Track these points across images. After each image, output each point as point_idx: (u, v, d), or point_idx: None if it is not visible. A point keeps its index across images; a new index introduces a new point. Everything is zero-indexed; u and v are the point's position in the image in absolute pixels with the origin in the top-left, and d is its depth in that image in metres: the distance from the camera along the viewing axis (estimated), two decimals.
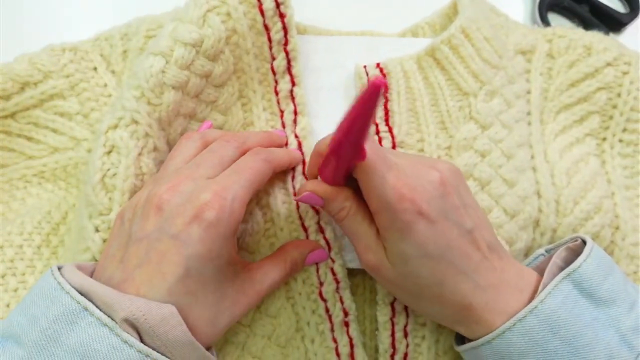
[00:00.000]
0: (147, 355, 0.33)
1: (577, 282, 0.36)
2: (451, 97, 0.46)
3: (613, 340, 0.35)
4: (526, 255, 0.45)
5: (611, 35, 0.57)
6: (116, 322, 0.33)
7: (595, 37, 0.50)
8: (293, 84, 0.47)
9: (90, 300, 0.33)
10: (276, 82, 0.46)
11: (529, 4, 0.58)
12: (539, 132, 0.48)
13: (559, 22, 0.58)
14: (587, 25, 0.57)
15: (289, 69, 0.46)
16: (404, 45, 0.49)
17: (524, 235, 0.44)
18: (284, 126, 0.46)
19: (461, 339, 0.41)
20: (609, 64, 0.48)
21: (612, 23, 0.57)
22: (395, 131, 0.45)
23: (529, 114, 0.48)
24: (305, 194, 0.39)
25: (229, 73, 0.45)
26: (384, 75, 0.46)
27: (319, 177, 0.40)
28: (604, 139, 0.49)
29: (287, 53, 0.46)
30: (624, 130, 0.49)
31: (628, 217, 0.46)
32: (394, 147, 0.45)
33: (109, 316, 0.33)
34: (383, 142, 0.45)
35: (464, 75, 0.46)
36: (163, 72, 0.42)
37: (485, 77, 0.46)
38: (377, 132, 0.45)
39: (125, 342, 0.32)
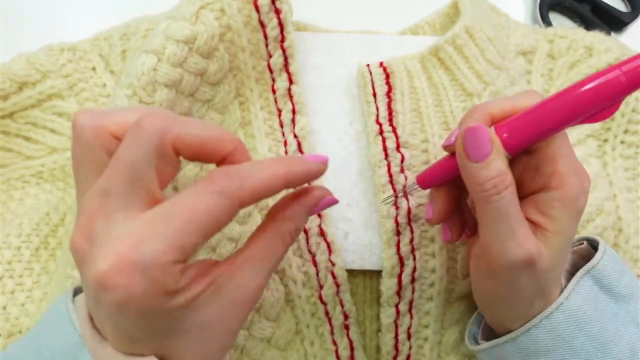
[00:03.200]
0: None
1: (597, 278, 0.36)
2: (455, 97, 0.46)
3: (635, 335, 0.35)
4: None
5: (612, 34, 0.57)
6: None
7: (597, 38, 0.50)
8: (290, 82, 0.46)
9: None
10: (273, 80, 0.46)
11: (530, 4, 0.58)
12: None
13: (560, 22, 0.58)
14: (588, 24, 0.57)
15: (286, 66, 0.46)
16: (403, 44, 0.49)
17: None
18: (282, 125, 0.46)
19: (474, 339, 0.40)
20: (610, 65, 0.48)
21: (614, 22, 0.57)
22: (399, 131, 0.45)
23: None
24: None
25: (225, 71, 0.45)
26: (387, 75, 0.46)
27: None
28: (606, 140, 0.49)
29: (283, 50, 0.45)
30: (626, 131, 0.49)
31: (630, 219, 0.46)
32: (397, 147, 0.44)
33: None
34: (387, 143, 0.44)
35: (468, 76, 0.46)
36: (155, 69, 0.41)
37: (489, 77, 0.46)
38: (381, 132, 0.45)
39: None
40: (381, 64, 0.47)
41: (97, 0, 0.57)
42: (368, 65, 0.46)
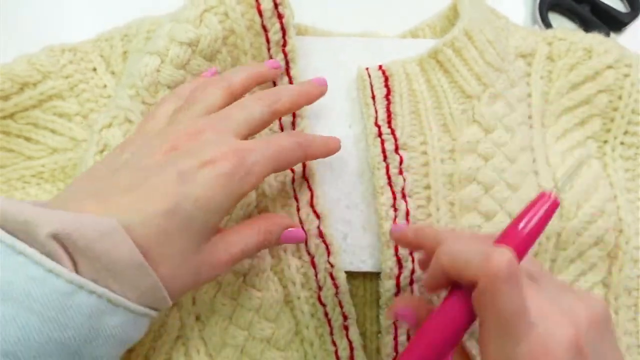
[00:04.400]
0: (80, 287, 0.27)
1: None
2: (454, 99, 0.46)
3: None
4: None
5: (612, 35, 0.57)
6: (35, 248, 0.27)
7: (596, 40, 0.50)
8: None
9: (1, 225, 0.27)
10: (274, 83, 0.46)
11: (529, 4, 0.58)
12: (541, 136, 0.48)
13: (559, 22, 0.58)
14: (587, 25, 0.57)
15: (287, 70, 0.46)
16: (405, 47, 0.49)
17: None
18: (282, 128, 0.46)
19: None
20: (609, 67, 0.48)
21: (613, 23, 0.57)
22: (397, 133, 0.45)
23: (530, 117, 0.48)
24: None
25: None
26: (387, 78, 0.46)
27: None
28: (605, 141, 0.49)
29: (285, 54, 0.46)
30: (625, 132, 0.49)
31: (631, 220, 0.46)
32: (396, 149, 0.45)
33: (27, 239, 0.27)
34: (386, 145, 0.44)
35: (467, 78, 0.46)
36: (158, 71, 0.42)
37: (488, 80, 0.46)
38: (380, 134, 0.45)
39: (50, 271, 0.27)
40: (380, 67, 0.47)
41: (98, 1, 0.57)
42: (367, 69, 0.47)
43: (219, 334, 0.43)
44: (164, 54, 0.42)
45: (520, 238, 0.31)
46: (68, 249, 0.28)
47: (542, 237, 0.45)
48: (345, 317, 0.43)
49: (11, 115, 0.48)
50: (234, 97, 0.39)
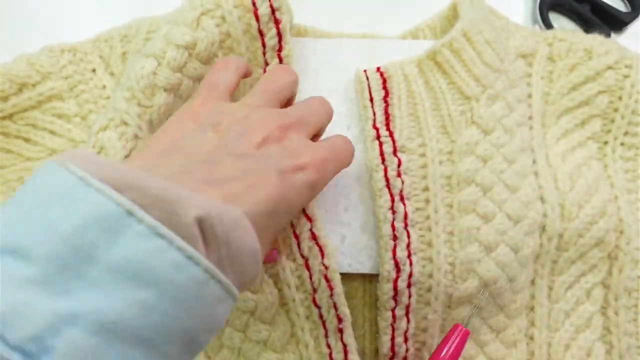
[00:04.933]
0: (212, 276, 0.27)
1: None
2: (453, 101, 0.46)
3: None
4: (535, 261, 0.45)
5: (612, 34, 0.57)
6: (175, 232, 0.25)
7: (596, 40, 0.50)
8: None
9: (137, 200, 0.25)
10: None
11: (529, 4, 0.58)
12: (541, 136, 0.48)
13: (560, 22, 0.58)
14: (588, 24, 0.57)
15: None
16: (404, 48, 0.49)
17: (530, 241, 0.44)
18: None
19: None
20: (610, 67, 0.48)
21: (614, 22, 0.57)
22: (396, 135, 0.45)
23: (530, 118, 0.48)
24: None
25: None
26: (385, 80, 0.46)
27: None
28: (606, 142, 0.49)
29: (280, 59, 0.46)
30: (626, 133, 0.49)
31: (631, 221, 0.46)
32: (394, 151, 0.44)
33: (170, 221, 0.26)
34: (384, 147, 0.44)
35: (466, 79, 0.46)
36: (154, 73, 0.42)
37: (487, 80, 0.46)
38: (378, 137, 0.45)
39: (190, 257, 0.26)
40: (378, 69, 0.46)
41: (98, 1, 0.57)
42: (365, 71, 0.46)
43: (216, 335, 0.44)
44: (161, 57, 0.42)
45: None
46: (205, 234, 0.27)
47: (543, 238, 0.45)
48: (339, 320, 0.43)
49: (10, 116, 0.48)
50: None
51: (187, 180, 0.31)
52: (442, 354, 0.40)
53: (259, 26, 0.44)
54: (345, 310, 0.43)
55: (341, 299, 0.43)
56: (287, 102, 0.42)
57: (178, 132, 0.35)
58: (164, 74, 0.42)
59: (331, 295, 0.43)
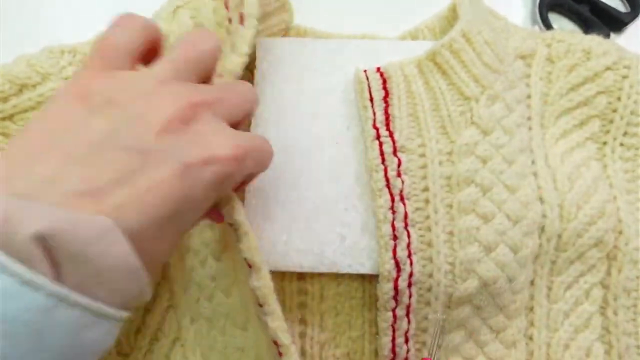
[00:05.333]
0: (61, 300, 0.23)
1: None
2: (452, 101, 0.46)
3: None
4: (535, 262, 0.45)
5: (612, 35, 0.57)
6: (10, 251, 0.22)
7: (595, 41, 0.50)
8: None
9: None
10: None
11: (529, 4, 0.58)
12: (540, 137, 0.48)
13: (559, 22, 0.58)
14: (587, 25, 0.57)
15: None
16: (404, 49, 0.49)
17: (529, 241, 0.44)
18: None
19: None
20: (608, 68, 0.48)
21: (613, 23, 0.57)
22: (396, 136, 0.45)
23: (529, 118, 0.48)
24: None
25: None
26: (384, 80, 0.46)
27: None
28: (605, 143, 0.49)
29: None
30: (625, 134, 0.49)
31: (630, 221, 0.47)
32: (394, 151, 0.45)
33: (3, 241, 0.22)
34: (384, 147, 0.44)
35: (465, 80, 0.46)
36: None
37: (486, 81, 0.46)
38: (378, 137, 0.45)
39: (27, 283, 0.22)
40: (378, 69, 0.46)
41: (98, 2, 0.57)
42: (365, 71, 0.47)
43: (206, 337, 0.44)
44: None
45: None
46: (52, 252, 0.23)
47: (542, 239, 0.45)
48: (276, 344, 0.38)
49: (10, 117, 0.48)
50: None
51: (53, 193, 0.26)
52: None
53: (228, 15, 0.44)
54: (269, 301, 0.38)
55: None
56: (206, 80, 0.35)
57: (59, 119, 0.29)
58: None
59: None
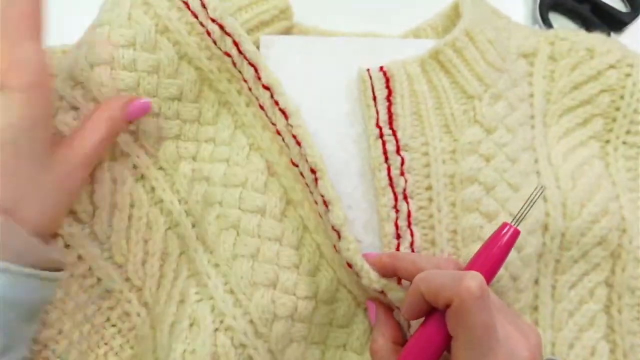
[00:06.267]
0: None
1: None
2: (455, 100, 0.46)
3: None
4: (539, 261, 0.45)
5: (612, 34, 0.57)
6: None
7: (598, 40, 0.50)
8: (255, 70, 0.44)
9: None
10: (240, 72, 0.45)
11: (529, 4, 0.58)
12: (543, 136, 0.48)
13: (560, 22, 0.58)
14: (588, 24, 0.57)
15: (245, 57, 0.44)
16: (406, 47, 0.49)
17: (533, 240, 0.44)
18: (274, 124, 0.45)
19: None
20: (611, 66, 0.48)
21: (614, 22, 0.57)
22: (399, 134, 0.45)
23: (532, 117, 0.48)
24: None
25: (177, 62, 0.44)
26: (387, 79, 0.46)
27: None
28: (607, 141, 0.49)
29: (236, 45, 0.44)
30: (628, 132, 0.49)
31: (634, 220, 0.47)
32: (397, 150, 0.44)
33: None
34: (387, 146, 0.44)
35: (469, 79, 0.46)
36: (113, 78, 0.43)
37: (489, 80, 0.46)
38: (381, 136, 0.44)
39: None
40: (381, 68, 0.46)
41: (98, 2, 0.57)
42: (368, 70, 0.46)
43: (210, 220, 0.43)
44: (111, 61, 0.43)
45: (487, 265, 0.36)
46: None
47: (546, 237, 0.45)
48: (312, 171, 0.42)
49: None
50: None
51: None
52: (490, 252, 0.37)
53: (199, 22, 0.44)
54: (316, 161, 0.42)
55: (311, 151, 0.42)
56: None
57: None
58: (121, 76, 0.42)
59: (300, 150, 0.42)
